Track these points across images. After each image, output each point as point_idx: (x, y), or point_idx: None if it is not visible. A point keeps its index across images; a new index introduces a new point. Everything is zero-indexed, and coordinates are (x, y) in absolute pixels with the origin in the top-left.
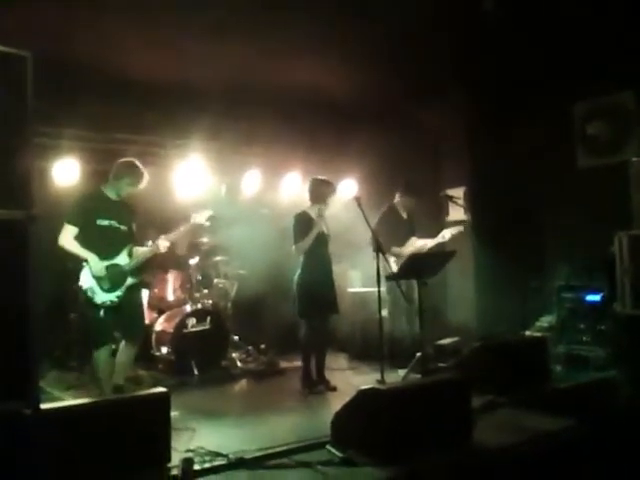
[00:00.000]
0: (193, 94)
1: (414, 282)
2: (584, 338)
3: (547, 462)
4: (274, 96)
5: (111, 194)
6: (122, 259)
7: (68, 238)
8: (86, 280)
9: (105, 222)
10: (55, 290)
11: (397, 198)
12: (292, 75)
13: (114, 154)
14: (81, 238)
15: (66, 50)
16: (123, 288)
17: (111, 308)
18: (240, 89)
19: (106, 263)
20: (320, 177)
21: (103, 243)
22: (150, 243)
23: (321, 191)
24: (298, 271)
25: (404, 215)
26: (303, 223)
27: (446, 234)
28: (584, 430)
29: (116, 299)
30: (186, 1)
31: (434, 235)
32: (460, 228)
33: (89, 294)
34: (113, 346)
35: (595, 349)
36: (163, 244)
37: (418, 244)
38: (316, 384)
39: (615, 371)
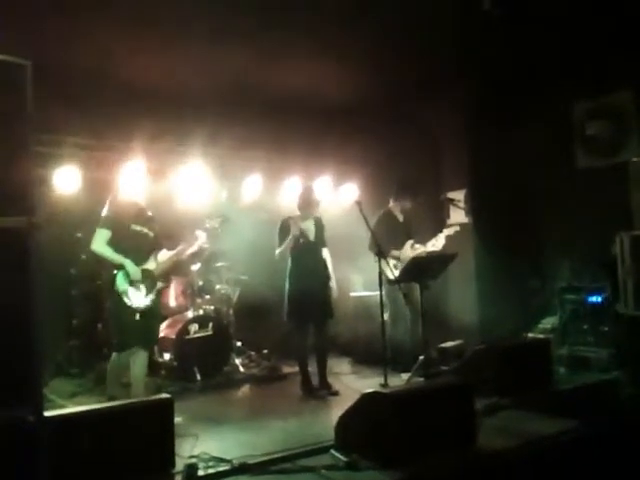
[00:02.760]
0: (193, 100)
1: (415, 285)
2: (587, 339)
3: (550, 464)
4: (274, 100)
5: (140, 200)
6: (152, 264)
7: (101, 243)
8: (122, 284)
9: (138, 227)
10: (58, 297)
11: (391, 202)
12: (292, 79)
13: (115, 161)
14: (115, 243)
15: (66, 58)
16: (155, 292)
17: (145, 312)
18: (240, 94)
19: (140, 268)
20: (306, 185)
21: (136, 248)
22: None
23: (303, 199)
24: (286, 278)
25: (400, 218)
26: (283, 229)
27: (439, 241)
28: (588, 432)
29: (150, 303)
30: (185, 8)
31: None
32: (456, 228)
33: (125, 298)
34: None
35: (598, 350)
36: (201, 235)
37: (413, 249)
38: (317, 389)
39: (618, 372)
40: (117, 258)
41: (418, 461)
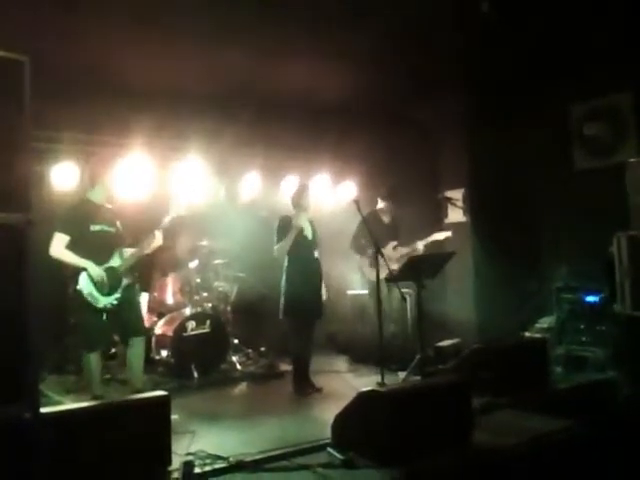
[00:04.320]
0: (192, 97)
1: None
2: (584, 339)
3: (547, 463)
4: (273, 98)
5: (97, 198)
6: (115, 261)
7: (60, 247)
8: (85, 285)
9: (97, 227)
10: (53, 294)
11: (379, 203)
12: (291, 77)
13: (113, 158)
14: (75, 246)
15: (64, 54)
16: (120, 290)
17: (111, 311)
18: (239, 91)
19: (103, 268)
20: (302, 184)
21: (98, 248)
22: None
23: (296, 196)
24: (283, 275)
25: (386, 220)
26: (284, 226)
27: (419, 245)
28: (584, 431)
29: (116, 302)
30: (184, 5)
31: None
32: (437, 236)
33: (90, 300)
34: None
35: (595, 350)
36: (158, 237)
37: (395, 251)
38: (306, 387)
39: (615, 372)
40: (78, 261)
41: (414, 459)
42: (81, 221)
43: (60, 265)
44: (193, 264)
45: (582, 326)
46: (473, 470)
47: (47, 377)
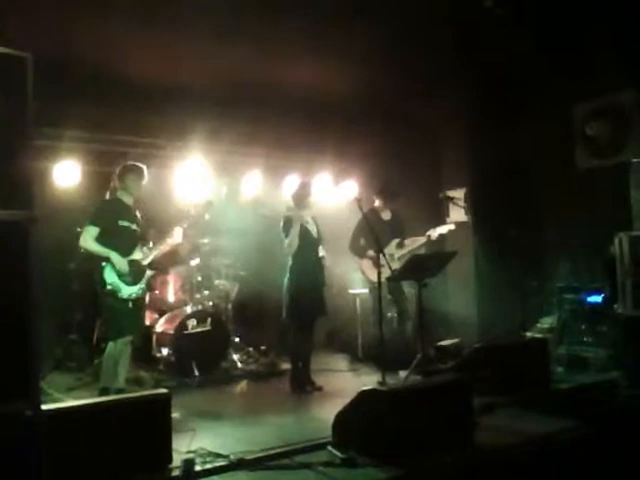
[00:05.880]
0: (193, 95)
1: (400, 285)
2: (585, 339)
3: (548, 464)
4: (275, 97)
5: (126, 199)
6: (138, 255)
7: (89, 239)
8: (110, 276)
9: (125, 223)
10: (56, 291)
11: (376, 201)
12: (293, 76)
13: (114, 156)
14: (103, 238)
15: (67, 51)
16: (144, 280)
17: (136, 300)
18: (240, 90)
19: (127, 259)
20: (303, 180)
21: (123, 242)
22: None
23: (299, 194)
24: (287, 274)
25: (385, 217)
26: (288, 222)
27: (433, 233)
28: (585, 431)
29: (140, 291)
30: (186, 3)
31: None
32: (450, 227)
33: (114, 289)
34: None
35: (596, 350)
36: (178, 232)
37: (398, 248)
38: (303, 385)
39: (616, 372)
40: (103, 251)
41: (415, 458)
42: (111, 216)
43: (69, 259)
44: (194, 262)
45: (583, 326)
46: (474, 470)
47: (49, 374)
